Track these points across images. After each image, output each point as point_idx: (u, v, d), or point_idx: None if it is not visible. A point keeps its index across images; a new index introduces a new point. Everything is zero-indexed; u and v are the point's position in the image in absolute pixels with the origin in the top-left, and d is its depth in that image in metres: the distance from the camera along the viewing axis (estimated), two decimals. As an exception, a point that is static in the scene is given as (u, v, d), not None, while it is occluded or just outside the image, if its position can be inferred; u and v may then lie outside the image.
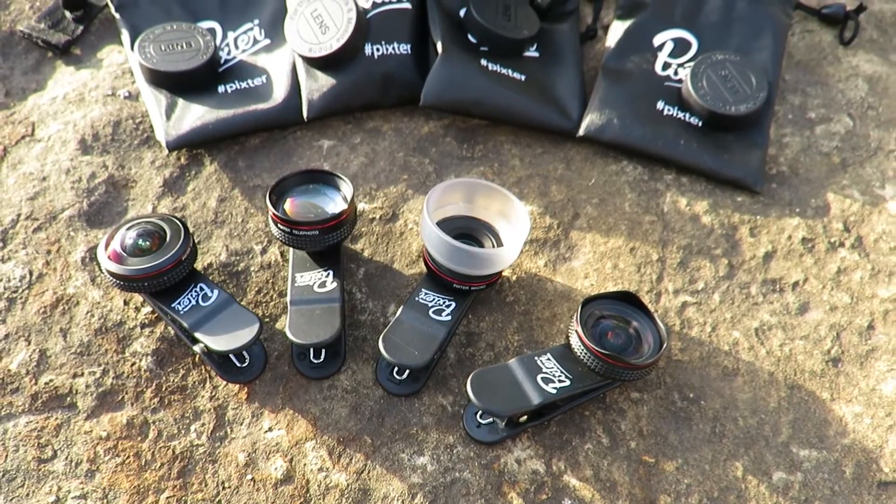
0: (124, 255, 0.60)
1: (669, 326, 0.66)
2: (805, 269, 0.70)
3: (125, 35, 0.80)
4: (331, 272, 0.64)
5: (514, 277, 0.69)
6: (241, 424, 0.60)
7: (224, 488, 0.58)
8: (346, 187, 0.64)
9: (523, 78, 0.78)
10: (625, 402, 0.62)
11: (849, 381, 0.64)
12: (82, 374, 0.62)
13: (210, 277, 0.66)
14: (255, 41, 0.80)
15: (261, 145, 0.76)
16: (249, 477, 0.58)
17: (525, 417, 0.60)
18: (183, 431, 0.60)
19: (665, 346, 0.58)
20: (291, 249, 0.66)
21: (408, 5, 0.79)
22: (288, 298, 0.63)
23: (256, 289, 0.67)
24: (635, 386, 0.63)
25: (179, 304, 0.61)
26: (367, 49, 0.76)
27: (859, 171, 0.76)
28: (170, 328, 0.64)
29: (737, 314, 0.67)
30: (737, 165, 0.74)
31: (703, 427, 0.61)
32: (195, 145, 0.74)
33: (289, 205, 0.64)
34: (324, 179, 0.66)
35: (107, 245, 0.61)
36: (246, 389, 0.62)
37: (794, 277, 0.69)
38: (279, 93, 0.76)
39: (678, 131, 0.75)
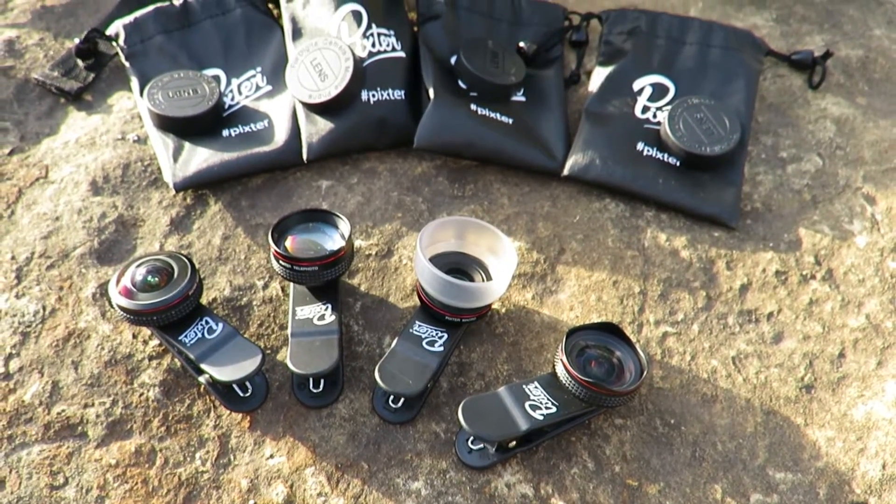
0: (134, 290, 0.63)
1: (651, 355, 0.69)
2: (779, 300, 0.73)
3: (134, 82, 0.84)
4: (329, 306, 0.67)
5: (503, 310, 0.72)
6: (244, 452, 0.63)
7: (227, 513, 0.60)
8: (344, 225, 0.67)
9: (511, 121, 0.81)
10: (609, 427, 0.65)
11: (821, 407, 0.67)
12: (93, 405, 0.64)
13: (215, 311, 0.69)
14: (258, 88, 0.84)
15: (263, 186, 0.80)
16: (252, 502, 0.60)
17: (514, 443, 0.62)
18: (188, 459, 0.62)
19: (646, 373, 0.61)
20: (292, 284, 0.69)
21: (402, 54, 0.83)
22: (288, 331, 0.66)
23: (259, 322, 0.70)
24: (619, 412, 0.66)
25: (186, 336, 0.63)
26: (364, 95, 0.80)
27: (829, 208, 0.80)
28: (176, 360, 0.66)
29: (715, 343, 0.70)
30: (713, 203, 0.78)
31: (683, 451, 0.64)
32: (201, 186, 0.78)
33: (290, 242, 0.67)
34: (323, 218, 0.69)
35: (118, 281, 0.63)
36: (249, 418, 0.64)
37: (768, 308, 0.73)
38: (280, 136, 0.79)
39: (657, 171, 0.79)
